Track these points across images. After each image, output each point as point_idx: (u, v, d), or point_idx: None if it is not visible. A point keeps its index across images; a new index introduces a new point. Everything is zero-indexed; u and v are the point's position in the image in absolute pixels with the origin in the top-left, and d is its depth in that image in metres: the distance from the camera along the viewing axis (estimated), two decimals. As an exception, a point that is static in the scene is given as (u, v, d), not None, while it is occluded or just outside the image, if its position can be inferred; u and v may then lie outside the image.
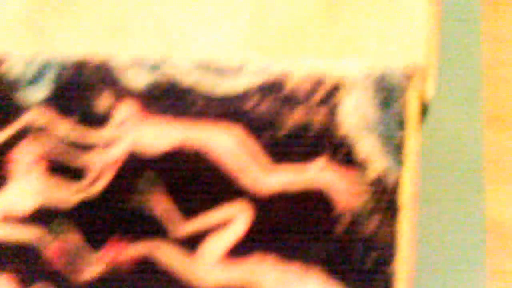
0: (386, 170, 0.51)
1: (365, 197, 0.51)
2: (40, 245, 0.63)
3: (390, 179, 0.51)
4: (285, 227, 0.52)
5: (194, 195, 0.54)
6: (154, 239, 0.56)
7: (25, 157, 0.59)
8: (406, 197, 0.51)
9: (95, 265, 0.60)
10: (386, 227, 0.51)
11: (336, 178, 0.52)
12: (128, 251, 0.58)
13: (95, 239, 0.59)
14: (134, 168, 0.55)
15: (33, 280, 0.65)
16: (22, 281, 0.67)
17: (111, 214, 0.57)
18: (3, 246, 0.63)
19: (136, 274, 0.57)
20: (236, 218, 0.54)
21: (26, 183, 0.60)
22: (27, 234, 0.64)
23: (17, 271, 0.65)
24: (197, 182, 0.54)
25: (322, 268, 0.53)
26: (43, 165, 0.59)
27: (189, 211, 0.55)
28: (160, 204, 0.55)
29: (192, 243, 0.55)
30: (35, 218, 0.62)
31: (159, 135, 0.55)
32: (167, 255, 0.56)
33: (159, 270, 0.56)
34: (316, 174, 0.52)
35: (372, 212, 0.51)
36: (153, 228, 0.56)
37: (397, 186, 0.51)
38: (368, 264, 0.51)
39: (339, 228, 0.52)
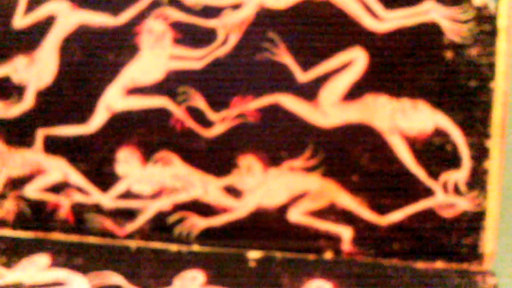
0: (486, 3, 0.60)
1: (470, 25, 0.60)
2: (165, 112, 0.70)
3: (490, 10, 0.59)
4: (398, 64, 0.60)
5: (315, 45, 0.62)
6: (278, 91, 0.64)
7: (155, 28, 0.66)
8: (502, 24, 0.59)
9: (220, 124, 0.67)
10: (487, 53, 0.59)
11: (445, 12, 0.60)
12: (253, 105, 0.66)
13: (219, 101, 0.67)
14: (261, 26, 0.63)
15: (156, 149, 0.73)
16: (146, 149, 0.75)
17: (236, 74, 0.65)
18: (129, 116, 0.71)
19: (263, 122, 0.65)
20: (353, 62, 0.62)
21: (155, 53, 0.67)
22: (153, 103, 0.71)
23: (140, 139, 0.73)
24: (322, 29, 0.61)
25: (429, 100, 0.61)
26: (171, 35, 0.66)
27: (310, 62, 0.63)
28: (284, 58, 0.63)
29: (313, 89, 0.63)
30: (161, 87, 0.70)
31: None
32: (291, 102, 0.64)
33: (285, 116, 0.63)
34: (428, 11, 0.60)
35: (475, 38, 0.59)
36: (277, 81, 0.64)
37: (495, 15, 0.59)
38: (472, 86, 0.59)
39: (448, 54, 0.60)
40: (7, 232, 0.79)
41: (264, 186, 0.66)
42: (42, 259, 0.72)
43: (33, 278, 0.68)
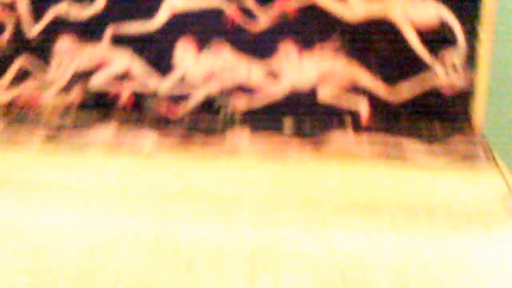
0: None
1: None
2: (220, 8, 0.84)
3: None
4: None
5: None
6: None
7: None
8: None
9: (265, 19, 0.81)
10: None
11: None
12: (293, 3, 0.80)
13: (266, 1, 0.82)
14: None
15: (210, 39, 0.86)
16: (201, 41, 0.88)
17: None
18: (186, 14, 0.84)
19: (301, 19, 0.79)
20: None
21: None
22: (210, 3, 0.85)
23: (197, 33, 0.86)
24: None
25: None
26: None
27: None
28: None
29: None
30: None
31: None
32: (325, 2, 0.79)
33: (320, 13, 0.78)
34: None
35: None
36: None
37: None
38: None
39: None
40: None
41: (298, 68, 0.81)
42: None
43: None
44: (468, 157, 0.70)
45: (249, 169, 0.62)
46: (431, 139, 0.76)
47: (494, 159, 0.68)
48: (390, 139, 0.75)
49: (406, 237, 0.50)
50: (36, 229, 0.55)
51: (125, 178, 0.63)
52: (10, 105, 0.93)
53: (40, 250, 0.51)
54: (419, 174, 0.61)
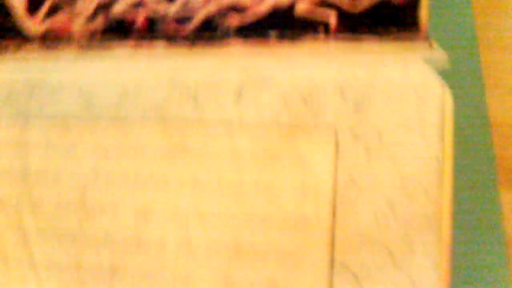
0: None
1: None
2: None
3: None
4: None
5: None
6: None
7: None
8: None
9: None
10: None
11: None
12: None
13: None
14: None
15: None
16: None
17: None
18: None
19: None
20: None
21: None
22: None
23: None
24: None
25: None
26: None
27: None
28: None
29: None
30: None
31: None
32: None
33: None
34: None
35: None
36: None
37: None
38: None
39: None
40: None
41: (279, -11, 0.99)
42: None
43: None
44: (411, 44, 0.89)
45: (240, 57, 0.81)
46: (384, 34, 0.94)
47: (431, 44, 0.86)
48: (352, 36, 0.93)
49: (347, 68, 0.71)
50: (83, 82, 0.75)
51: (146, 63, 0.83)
52: (45, 35, 1.12)
53: (86, 96, 0.72)
54: (368, 51, 0.81)
